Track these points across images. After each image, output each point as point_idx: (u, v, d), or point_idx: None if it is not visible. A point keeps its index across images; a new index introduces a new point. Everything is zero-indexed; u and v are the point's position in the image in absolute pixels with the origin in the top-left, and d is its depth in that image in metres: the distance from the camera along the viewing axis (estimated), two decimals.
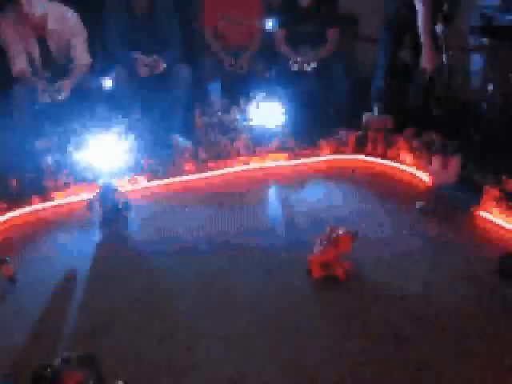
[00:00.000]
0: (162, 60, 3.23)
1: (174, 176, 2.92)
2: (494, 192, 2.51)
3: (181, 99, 3.34)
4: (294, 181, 2.94)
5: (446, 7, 3.26)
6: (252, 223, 2.48)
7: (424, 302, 1.92)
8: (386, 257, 2.21)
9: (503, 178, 2.52)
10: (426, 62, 3.29)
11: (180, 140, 3.38)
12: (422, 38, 3.27)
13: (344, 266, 2.02)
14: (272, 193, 2.83)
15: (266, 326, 1.80)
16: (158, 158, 2.97)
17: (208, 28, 3.66)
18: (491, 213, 2.51)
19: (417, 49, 3.48)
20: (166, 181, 2.89)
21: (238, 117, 3.09)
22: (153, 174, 2.89)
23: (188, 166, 2.98)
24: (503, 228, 2.43)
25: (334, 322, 1.84)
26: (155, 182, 2.87)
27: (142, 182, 2.85)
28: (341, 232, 1.96)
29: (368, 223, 2.45)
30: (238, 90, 3.45)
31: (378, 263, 2.15)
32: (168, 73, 3.29)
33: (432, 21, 3.27)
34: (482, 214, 2.53)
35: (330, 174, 3.02)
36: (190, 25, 3.74)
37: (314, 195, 2.78)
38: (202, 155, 3.03)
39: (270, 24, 3.69)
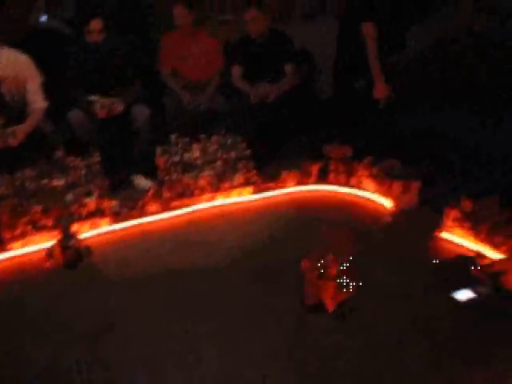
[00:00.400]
0: (120, 101, 3.21)
1: (137, 217, 2.85)
2: (454, 213, 2.59)
3: (141, 139, 3.32)
4: (259, 215, 2.93)
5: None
6: (219, 260, 2.45)
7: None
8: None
9: (462, 199, 2.61)
10: (378, 94, 3.43)
11: (142, 180, 3.36)
12: (373, 71, 3.42)
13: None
14: (237, 228, 2.78)
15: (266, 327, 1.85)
16: (120, 199, 2.91)
17: (165, 68, 3.70)
18: (453, 234, 2.58)
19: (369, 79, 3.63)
20: (129, 222, 2.82)
21: (199, 154, 3.08)
22: (115, 217, 2.82)
23: (151, 207, 2.93)
24: (464, 247, 2.50)
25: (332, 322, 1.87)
26: (118, 225, 2.79)
27: (105, 225, 2.78)
28: (330, 258, 1.98)
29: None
30: (198, 127, 3.46)
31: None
32: (127, 113, 3.27)
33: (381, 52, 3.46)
34: (444, 235, 2.60)
35: (295, 206, 3.03)
36: (151, 63, 3.77)
37: (280, 228, 2.77)
38: (166, 195, 2.99)
39: None
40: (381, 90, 3.40)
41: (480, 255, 2.32)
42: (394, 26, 3.42)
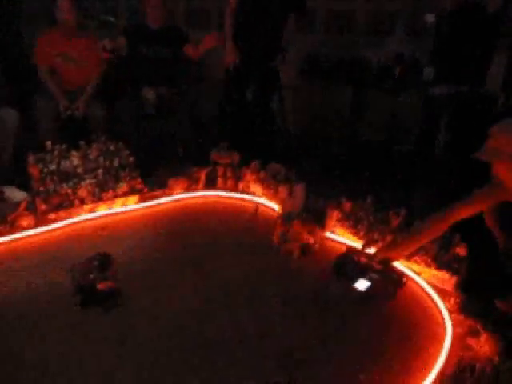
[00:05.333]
0: None
1: (8, 233, 2.57)
2: (336, 214, 2.72)
3: (8, 147, 3.01)
4: (145, 225, 2.80)
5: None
6: None
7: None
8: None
9: (342, 200, 2.75)
10: (227, 55, 3.56)
11: (14, 192, 3.04)
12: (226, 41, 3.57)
13: None
14: (121, 241, 2.61)
15: None
16: None
17: (43, 66, 3.42)
18: (334, 232, 2.70)
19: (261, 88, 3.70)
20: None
21: (78, 162, 2.88)
22: None
23: (25, 221, 2.66)
24: (344, 244, 2.62)
25: None
26: None
27: None
28: None
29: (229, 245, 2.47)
30: (77, 133, 3.25)
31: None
32: None
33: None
34: (327, 234, 2.71)
35: (184, 213, 2.96)
36: (18, 64, 3.47)
37: (168, 237, 2.68)
38: (41, 207, 2.74)
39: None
40: (229, 53, 3.56)
41: (366, 245, 2.47)
42: None
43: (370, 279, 2.19)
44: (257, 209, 2.98)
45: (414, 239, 2.33)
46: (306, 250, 2.51)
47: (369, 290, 2.16)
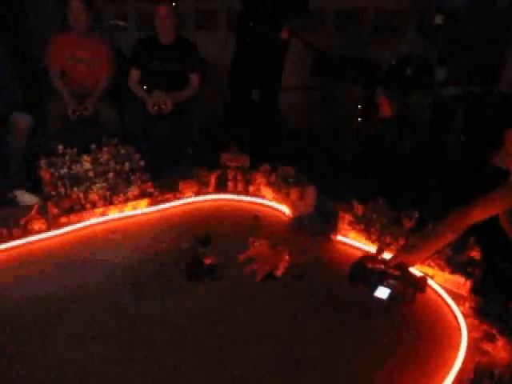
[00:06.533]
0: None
1: (20, 237, 2.58)
2: (348, 217, 2.69)
3: (21, 151, 3.03)
4: (156, 228, 2.79)
5: None
6: (111, 281, 2.27)
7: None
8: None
9: (353, 203, 2.73)
10: None
11: (25, 195, 3.06)
12: None
13: None
14: (132, 244, 2.61)
15: None
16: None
17: (54, 68, 3.45)
18: (346, 236, 2.68)
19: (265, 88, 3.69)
20: (10, 243, 2.54)
21: (89, 166, 2.89)
22: None
23: (37, 224, 2.67)
24: (357, 248, 2.60)
25: None
26: None
27: None
28: None
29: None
30: (87, 136, 3.26)
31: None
32: (4, 122, 2.97)
33: None
34: (339, 237, 2.69)
35: (195, 216, 2.95)
36: (28, 67, 3.51)
37: (179, 240, 2.66)
38: (53, 211, 2.75)
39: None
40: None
41: (379, 251, 2.41)
42: None
43: (389, 286, 2.13)
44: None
45: (430, 243, 2.26)
46: (269, 274, 2.32)
47: (390, 297, 2.10)
